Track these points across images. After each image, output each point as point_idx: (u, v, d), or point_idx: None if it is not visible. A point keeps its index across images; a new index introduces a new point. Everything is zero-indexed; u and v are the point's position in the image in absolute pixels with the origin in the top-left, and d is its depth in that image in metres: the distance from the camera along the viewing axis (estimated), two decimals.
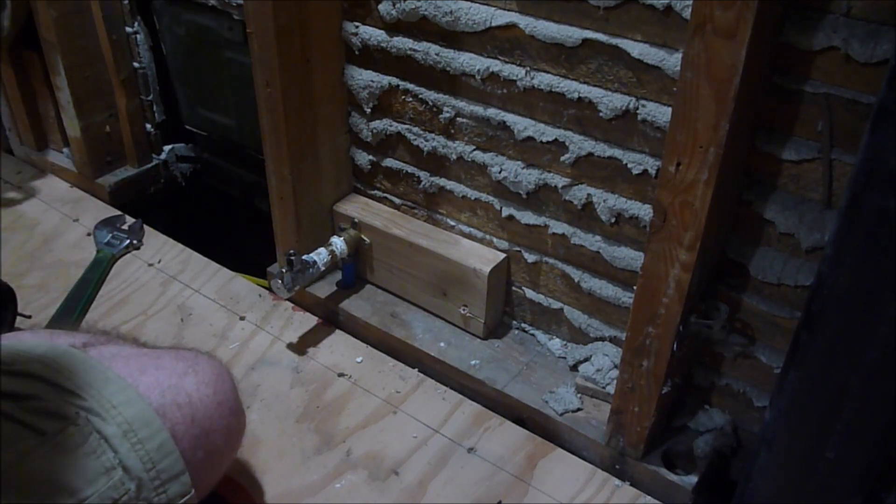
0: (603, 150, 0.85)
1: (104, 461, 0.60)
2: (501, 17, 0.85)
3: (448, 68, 0.92)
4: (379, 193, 1.12)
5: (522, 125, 0.90)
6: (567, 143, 0.87)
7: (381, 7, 0.94)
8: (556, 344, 1.02)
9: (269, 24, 0.91)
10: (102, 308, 1.13)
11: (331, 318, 1.12)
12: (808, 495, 0.66)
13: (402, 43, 0.95)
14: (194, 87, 1.35)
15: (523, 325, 1.06)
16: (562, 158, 0.88)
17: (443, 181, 1.03)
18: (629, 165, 0.83)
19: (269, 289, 1.17)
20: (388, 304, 1.11)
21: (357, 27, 0.98)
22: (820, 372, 0.61)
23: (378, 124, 1.04)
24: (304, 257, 1.03)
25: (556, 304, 1.00)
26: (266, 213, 1.11)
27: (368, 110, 1.04)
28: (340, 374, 1.02)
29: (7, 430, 0.58)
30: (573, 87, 0.83)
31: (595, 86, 0.82)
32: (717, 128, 0.66)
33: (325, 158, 1.07)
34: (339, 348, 1.07)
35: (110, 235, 1.26)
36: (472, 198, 1.01)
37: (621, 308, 0.93)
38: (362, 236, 1.09)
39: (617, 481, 0.89)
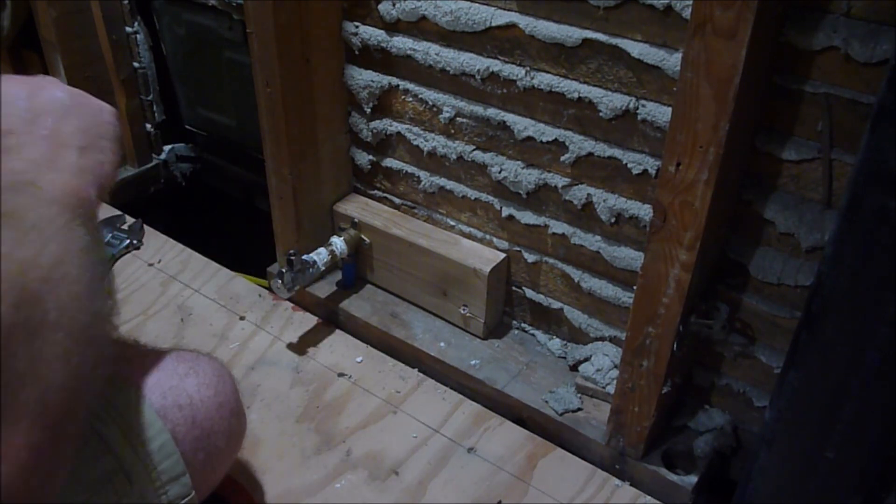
0: (603, 150, 0.85)
1: (104, 463, 0.60)
2: (501, 17, 0.85)
3: (448, 68, 0.92)
4: (379, 193, 1.12)
5: (522, 125, 0.90)
6: (567, 143, 0.87)
7: (381, 7, 0.94)
8: (556, 344, 1.02)
9: (269, 24, 0.91)
10: None
11: (331, 318, 1.12)
12: (808, 495, 0.66)
13: (402, 43, 0.95)
14: (194, 87, 1.35)
15: (523, 325, 1.06)
16: (562, 158, 0.88)
17: (443, 181, 1.03)
18: (629, 165, 0.83)
19: (269, 289, 1.17)
20: (388, 304, 1.11)
21: (357, 27, 0.98)
22: (820, 372, 0.61)
23: (378, 124, 1.04)
24: (304, 257, 1.03)
25: (556, 304, 1.00)
26: (266, 213, 1.11)
27: (368, 110, 1.04)
28: (340, 374, 1.03)
29: None
30: (573, 87, 0.83)
31: (595, 86, 0.82)
32: (717, 128, 0.66)
33: (325, 158, 1.07)
34: (339, 348, 1.07)
35: (110, 235, 1.25)
36: (472, 198, 1.01)
37: (621, 308, 0.93)
38: (362, 236, 1.09)
39: (617, 481, 0.89)
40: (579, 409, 0.94)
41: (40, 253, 0.42)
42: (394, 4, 0.93)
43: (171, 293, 1.16)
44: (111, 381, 0.65)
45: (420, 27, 0.93)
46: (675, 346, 0.79)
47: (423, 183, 1.05)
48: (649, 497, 0.88)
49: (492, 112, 0.92)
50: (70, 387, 0.42)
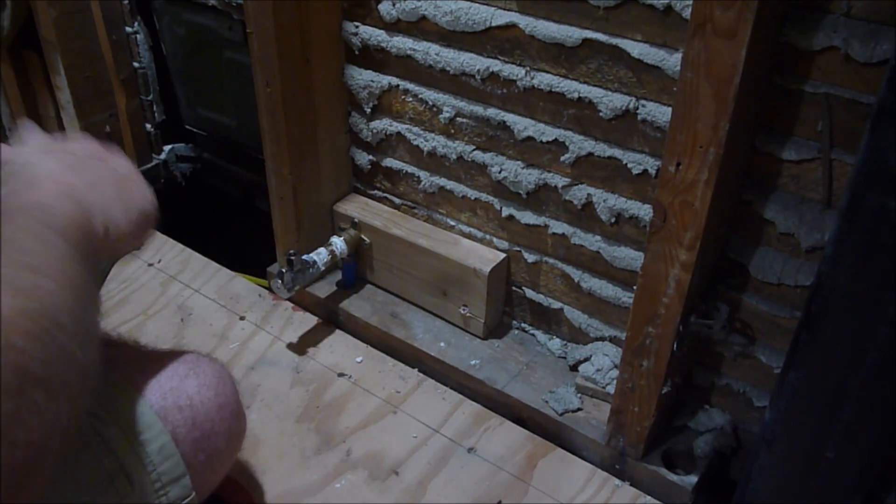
0: (603, 150, 0.85)
1: (105, 464, 0.60)
2: (501, 17, 0.85)
3: (448, 68, 0.92)
4: (379, 193, 1.12)
5: (522, 125, 0.90)
6: (567, 143, 0.87)
7: (381, 7, 0.94)
8: (556, 344, 1.02)
9: (269, 24, 0.91)
10: (103, 308, 1.12)
11: (331, 318, 1.12)
12: (808, 495, 0.66)
13: (402, 43, 0.95)
14: (194, 87, 1.35)
15: (523, 325, 1.06)
16: (562, 158, 0.88)
17: (443, 181, 1.03)
18: (629, 165, 0.83)
19: (269, 289, 1.17)
20: (388, 304, 1.11)
21: (357, 27, 0.98)
22: (820, 372, 0.61)
23: (378, 124, 1.04)
24: (304, 257, 1.03)
25: (556, 304, 1.00)
26: (266, 213, 1.11)
27: (368, 110, 1.04)
28: (340, 374, 1.03)
29: None
30: (573, 87, 0.83)
31: (595, 86, 0.82)
32: (717, 128, 0.66)
33: (325, 158, 1.07)
34: (339, 348, 1.07)
35: None
36: (472, 198, 1.01)
37: (621, 308, 0.93)
38: (362, 236, 1.09)
39: (617, 481, 0.89)
40: (579, 409, 0.94)
41: (32, 299, 0.38)
42: (394, 4, 0.93)
43: (171, 293, 1.16)
44: (112, 382, 0.65)
45: (420, 27, 0.93)
46: (675, 346, 0.79)
47: (423, 183, 1.05)
48: (649, 497, 0.88)
49: (492, 112, 0.92)
50: (40, 444, 0.39)
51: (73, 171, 0.54)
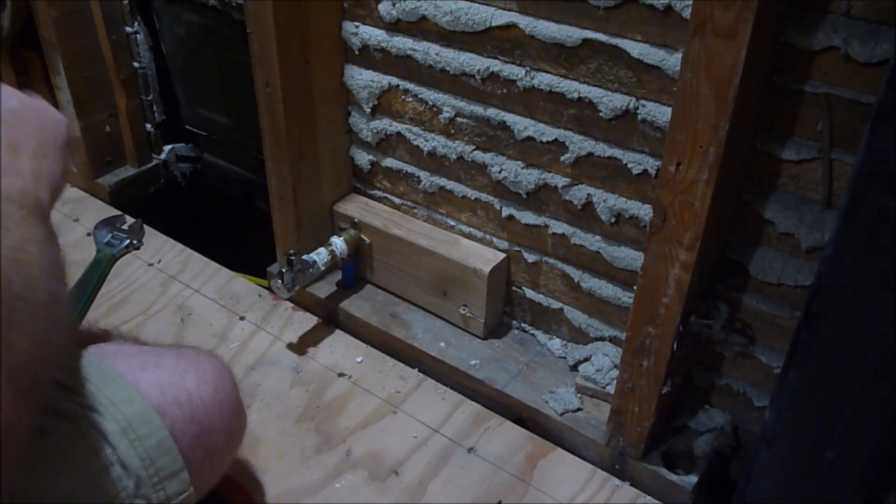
0: (603, 150, 0.85)
1: (102, 458, 0.60)
2: (501, 17, 0.85)
3: (448, 68, 0.92)
4: (379, 193, 1.12)
5: (522, 125, 0.90)
6: (567, 143, 0.87)
7: (381, 7, 0.94)
8: (556, 344, 1.02)
9: (269, 24, 0.91)
10: (102, 308, 1.13)
11: (331, 318, 1.12)
12: (808, 495, 0.66)
13: (402, 43, 0.95)
14: (194, 87, 1.35)
15: (523, 325, 1.06)
16: (562, 158, 0.88)
17: (443, 181, 1.03)
18: (629, 165, 0.83)
19: (269, 289, 1.17)
20: (388, 304, 1.11)
21: (357, 27, 0.98)
22: (820, 372, 0.61)
23: (378, 124, 1.04)
24: (304, 257, 1.03)
25: (556, 304, 1.00)
26: (266, 213, 1.11)
27: (368, 110, 1.04)
28: (340, 374, 1.03)
29: None
30: (573, 87, 0.83)
31: (595, 86, 0.82)
32: (717, 128, 0.66)
33: (325, 158, 1.07)
34: (339, 348, 1.07)
35: (110, 235, 1.26)
36: (472, 198, 1.01)
37: (621, 308, 0.93)
38: (362, 236, 1.10)
39: (617, 481, 0.89)
40: (579, 409, 0.94)
41: (3, 238, 0.45)
42: (394, 4, 0.93)
43: (171, 293, 1.16)
44: (110, 377, 0.65)
45: (420, 27, 0.93)
46: (675, 346, 0.79)
47: (423, 183, 1.05)
48: (649, 497, 0.88)
49: (492, 112, 0.92)
50: (33, 352, 0.46)
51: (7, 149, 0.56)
